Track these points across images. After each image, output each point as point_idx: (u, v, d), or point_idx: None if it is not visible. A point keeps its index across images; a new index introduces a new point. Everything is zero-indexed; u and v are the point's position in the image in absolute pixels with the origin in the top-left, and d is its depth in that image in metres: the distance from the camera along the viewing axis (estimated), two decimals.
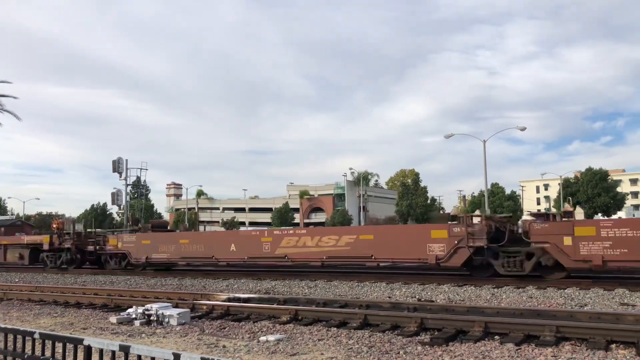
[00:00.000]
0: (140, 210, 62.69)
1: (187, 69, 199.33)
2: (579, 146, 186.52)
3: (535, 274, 15.82)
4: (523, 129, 45.05)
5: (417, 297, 13.64)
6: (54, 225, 28.82)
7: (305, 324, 9.61)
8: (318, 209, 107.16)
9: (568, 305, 11.69)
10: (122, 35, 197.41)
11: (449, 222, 17.53)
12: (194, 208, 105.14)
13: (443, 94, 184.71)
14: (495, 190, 74.38)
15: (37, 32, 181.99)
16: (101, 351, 4.42)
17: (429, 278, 16.80)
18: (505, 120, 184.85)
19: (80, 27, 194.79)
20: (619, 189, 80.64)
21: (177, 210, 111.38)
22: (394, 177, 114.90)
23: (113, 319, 10.49)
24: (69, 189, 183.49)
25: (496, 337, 8.01)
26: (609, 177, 74.99)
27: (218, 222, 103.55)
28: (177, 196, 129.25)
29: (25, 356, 5.15)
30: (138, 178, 61.29)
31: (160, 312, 10.08)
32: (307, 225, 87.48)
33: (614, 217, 67.36)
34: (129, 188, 57.49)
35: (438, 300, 12.69)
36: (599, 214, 70.11)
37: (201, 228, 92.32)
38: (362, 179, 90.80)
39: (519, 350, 7.15)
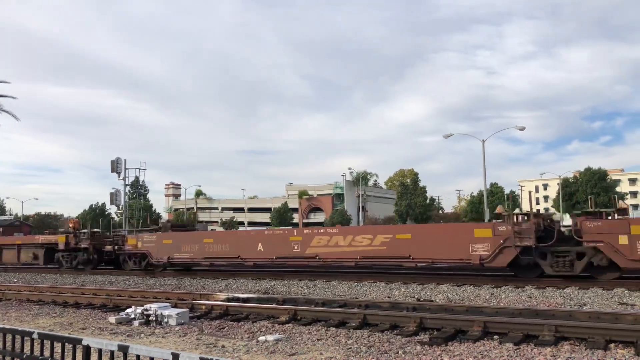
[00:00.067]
0: (138, 211, 62.62)
1: (186, 69, 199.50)
2: (578, 146, 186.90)
3: (586, 274, 15.23)
4: (522, 129, 45.07)
5: (416, 296, 13.65)
6: (70, 225, 28.38)
7: (304, 324, 9.60)
8: (317, 209, 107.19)
9: (567, 304, 11.70)
10: (121, 35, 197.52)
11: (494, 221, 16.79)
12: (192, 208, 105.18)
13: (442, 94, 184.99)
14: (494, 190, 74.44)
15: (37, 32, 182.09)
16: (100, 351, 4.41)
17: (428, 278, 16.80)
18: (504, 120, 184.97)
19: (80, 27, 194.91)
20: (618, 189, 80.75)
21: (175, 210, 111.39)
22: (392, 177, 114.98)
23: (112, 319, 10.48)
24: (68, 189, 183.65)
25: (495, 336, 8.01)
26: (608, 176, 75.03)
27: (217, 222, 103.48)
28: (176, 196, 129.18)
29: (24, 356, 5.14)
30: (137, 178, 61.21)
31: (159, 312, 10.07)
32: (306, 225, 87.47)
33: None
34: (128, 188, 57.41)
35: (437, 300, 12.69)
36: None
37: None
38: (361, 179, 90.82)
39: (518, 350, 7.15)
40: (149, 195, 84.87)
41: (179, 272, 23.03)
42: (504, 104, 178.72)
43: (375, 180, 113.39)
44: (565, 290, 13.68)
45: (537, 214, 17.28)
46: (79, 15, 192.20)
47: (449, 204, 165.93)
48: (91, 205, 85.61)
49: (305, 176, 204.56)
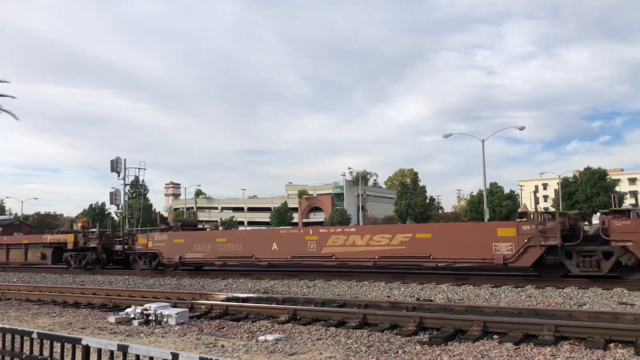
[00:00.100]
0: (138, 210, 62.57)
1: (186, 69, 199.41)
2: (578, 145, 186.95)
3: (613, 274, 14.96)
4: (522, 129, 45.13)
5: (415, 296, 13.65)
6: (79, 224, 27.98)
7: (304, 324, 9.60)
8: (317, 209, 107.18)
9: (567, 304, 11.71)
10: (121, 35, 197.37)
11: (518, 220, 16.53)
12: (192, 208, 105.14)
13: (442, 94, 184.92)
14: (494, 190, 74.40)
15: (37, 32, 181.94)
16: (99, 351, 4.41)
17: (427, 277, 16.80)
18: (504, 119, 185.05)
19: (80, 27, 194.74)
20: (617, 189, 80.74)
21: (175, 209, 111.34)
22: (392, 176, 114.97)
23: (111, 318, 10.48)
24: (68, 189, 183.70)
25: (495, 336, 8.01)
26: (608, 176, 75.08)
27: (217, 221, 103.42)
28: (176, 196, 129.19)
29: (24, 356, 5.14)
30: (136, 178, 61.15)
31: (158, 311, 10.07)
32: (305, 225, 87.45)
33: None
34: (128, 188, 57.35)
35: (437, 300, 12.70)
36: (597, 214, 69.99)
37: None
38: (360, 179, 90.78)
39: (517, 350, 7.15)
40: (149, 195, 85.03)
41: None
42: (504, 104, 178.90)
43: (375, 180, 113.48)
44: (564, 289, 13.68)
45: (563, 213, 16.85)
46: (79, 15, 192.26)
47: (448, 204, 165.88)
48: (91, 205, 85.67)
49: (305, 176, 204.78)
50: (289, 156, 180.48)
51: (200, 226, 29.75)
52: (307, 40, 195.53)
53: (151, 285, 19.06)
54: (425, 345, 7.57)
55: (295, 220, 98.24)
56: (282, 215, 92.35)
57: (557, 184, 75.19)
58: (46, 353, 4.95)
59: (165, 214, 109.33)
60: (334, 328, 9.13)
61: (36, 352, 5.37)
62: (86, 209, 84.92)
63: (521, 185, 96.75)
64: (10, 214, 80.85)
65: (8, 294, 15.67)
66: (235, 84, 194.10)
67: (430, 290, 14.61)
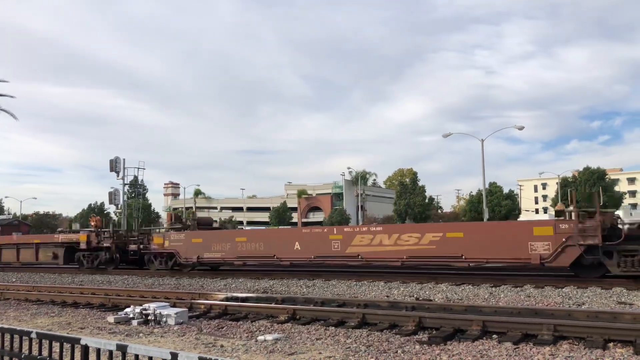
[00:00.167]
0: (137, 210, 62.58)
1: (186, 69, 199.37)
2: (577, 145, 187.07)
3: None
4: (521, 128, 45.14)
5: (415, 296, 13.65)
6: (92, 223, 27.48)
7: (303, 323, 9.60)
8: (316, 209, 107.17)
9: (566, 304, 11.71)
10: (121, 35, 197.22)
11: (555, 218, 16.07)
12: (191, 207, 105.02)
13: (441, 94, 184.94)
14: (493, 190, 74.44)
15: (37, 32, 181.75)
16: (98, 351, 4.41)
17: (427, 277, 16.80)
18: (503, 119, 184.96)
19: (80, 27, 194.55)
20: (616, 188, 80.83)
21: (174, 209, 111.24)
22: (391, 176, 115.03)
23: (110, 318, 10.47)
24: (67, 189, 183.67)
25: (494, 336, 8.01)
26: (607, 176, 75.17)
27: (216, 221, 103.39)
28: (175, 195, 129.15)
29: (23, 356, 5.13)
30: (135, 177, 61.08)
31: (157, 311, 10.06)
32: (305, 224, 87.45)
33: None
34: (127, 187, 57.32)
35: (436, 299, 12.70)
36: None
37: None
38: (360, 178, 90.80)
39: (517, 349, 7.15)
40: (148, 195, 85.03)
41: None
42: (503, 104, 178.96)
43: (374, 180, 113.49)
44: (564, 289, 13.69)
45: (604, 211, 16.39)
46: (79, 15, 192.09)
47: (447, 204, 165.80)
48: (90, 205, 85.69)
49: (305, 176, 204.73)
50: (288, 156, 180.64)
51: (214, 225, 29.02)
52: (307, 40, 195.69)
53: (150, 285, 19.05)
54: (425, 345, 7.58)
55: (295, 220, 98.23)
56: (281, 215, 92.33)
57: (556, 183, 75.22)
58: (45, 353, 4.95)
59: (164, 214, 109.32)
60: (333, 328, 9.12)
61: (35, 352, 5.36)
62: (85, 208, 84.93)
63: (520, 185, 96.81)
64: (9, 214, 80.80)
65: (7, 293, 15.65)
66: (235, 84, 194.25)
67: (429, 289, 14.62)
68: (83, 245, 26.21)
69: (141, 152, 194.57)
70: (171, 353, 3.83)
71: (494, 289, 14.24)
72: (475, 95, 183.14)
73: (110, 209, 75.96)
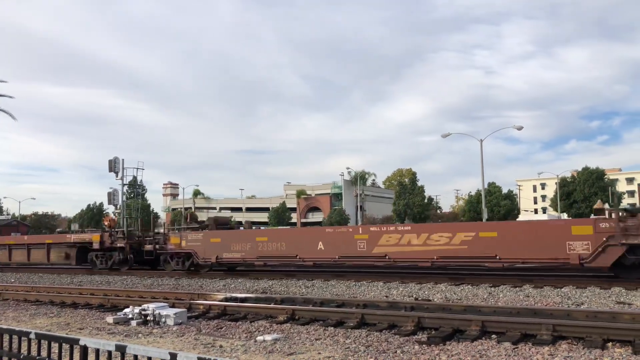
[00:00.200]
0: (136, 210, 62.51)
1: (186, 69, 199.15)
2: (576, 145, 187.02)
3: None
4: (520, 128, 45.11)
5: (414, 296, 13.66)
6: (106, 223, 26.99)
7: (303, 324, 9.60)
8: (315, 209, 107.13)
9: (565, 304, 11.73)
10: (121, 35, 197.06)
11: (594, 217, 15.79)
12: (190, 208, 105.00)
13: (440, 94, 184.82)
14: (492, 190, 74.48)
15: (37, 32, 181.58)
16: (97, 351, 4.41)
17: (426, 277, 16.80)
18: (503, 119, 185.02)
19: (80, 27, 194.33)
20: (615, 188, 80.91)
21: (173, 209, 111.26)
22: (391, 176, 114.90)
23: (110, 319, 10.46)
24: (66, 189, 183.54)
25: (493, 336, 8.02)
26: (606, 176, 75.22)
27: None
28: (174, 196, 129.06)
29: (22, 356, 5.12)
30: (134, 178, 61.04)
31: (157, 312, 10.06)
32: (304, 225, 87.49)
33: None
34: (126, 188, 57.29)
35: (435, 300, 12.71)
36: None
37: None
38: (359, 179, 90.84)
39: (516, 349, 7.16)
40: (147, 195, 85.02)
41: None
42: (503, 104, 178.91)
43: (374, 180, 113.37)
44: (562, 289, 13.71)
45: None
46: (79, 15, 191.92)
47: (447, 204, 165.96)
48: (89, 205, 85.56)
49: (304, 176, 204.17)
50: (287, 156, 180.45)
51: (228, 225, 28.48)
52: (307, 40, 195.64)
53: (149, 286, 19.05)
54: (424, 345, 7.58)
55: (294, 220, 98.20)
56: (280, 215, 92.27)
57: (556, 183, 75.29)
58: (44, 353, 4.95)
59: (164, 214, 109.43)
60: (332, 328, 9.13)
61: (34, 352, 5.35)
62: (84, 209, 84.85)
63: (519, 185, 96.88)
64: (7, 214, 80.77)
65: (6, 294, 15.64)
66: (235, 84, 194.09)
67: (428, 290, 14.63)
68: (96, 246, 25.79)
69: (141, 152, 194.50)
70: (170, 353, 3.83)
71: (492, 289, 14.26)
72: (475, 95, 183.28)
73: (109, 209, 75.89)
